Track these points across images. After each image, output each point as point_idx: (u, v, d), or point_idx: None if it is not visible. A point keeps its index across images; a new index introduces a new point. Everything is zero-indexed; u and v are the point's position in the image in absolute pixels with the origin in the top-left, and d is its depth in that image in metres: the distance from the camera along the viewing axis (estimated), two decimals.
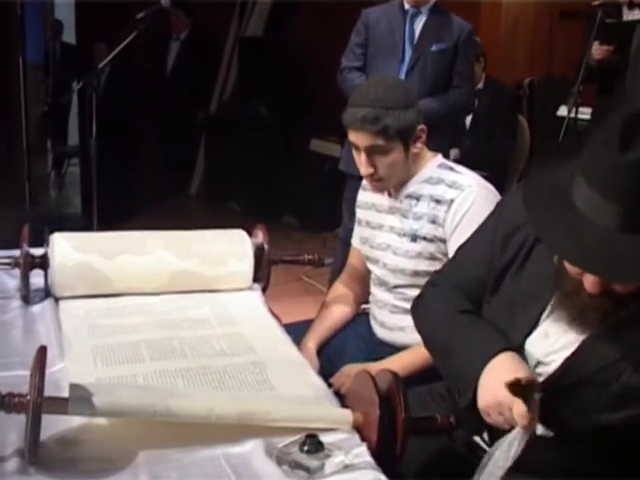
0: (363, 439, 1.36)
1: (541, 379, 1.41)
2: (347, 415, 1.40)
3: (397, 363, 1.95)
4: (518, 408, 1.28)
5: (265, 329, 1.84)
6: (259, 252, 2.05)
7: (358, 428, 1.38)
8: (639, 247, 1.20)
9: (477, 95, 4.20)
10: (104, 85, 3.29)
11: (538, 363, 1.44)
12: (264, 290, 2.07)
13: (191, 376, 1.55)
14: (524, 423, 1.28)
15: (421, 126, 2.04)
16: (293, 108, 5.81)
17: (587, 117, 3.95)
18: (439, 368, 1.58)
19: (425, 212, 2.06)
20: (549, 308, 1.43)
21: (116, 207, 4.60)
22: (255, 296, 2.02)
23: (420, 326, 1.66)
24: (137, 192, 5.73)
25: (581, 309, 1.35)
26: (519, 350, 1.44)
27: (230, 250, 2.02)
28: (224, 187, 5.99)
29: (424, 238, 2.05)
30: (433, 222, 2.04)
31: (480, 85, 4.47)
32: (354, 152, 2.06)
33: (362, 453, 1.31)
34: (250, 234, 2.11)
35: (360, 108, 1.97)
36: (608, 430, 1.33)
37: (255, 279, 2.05)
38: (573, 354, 1.37)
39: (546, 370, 1.42)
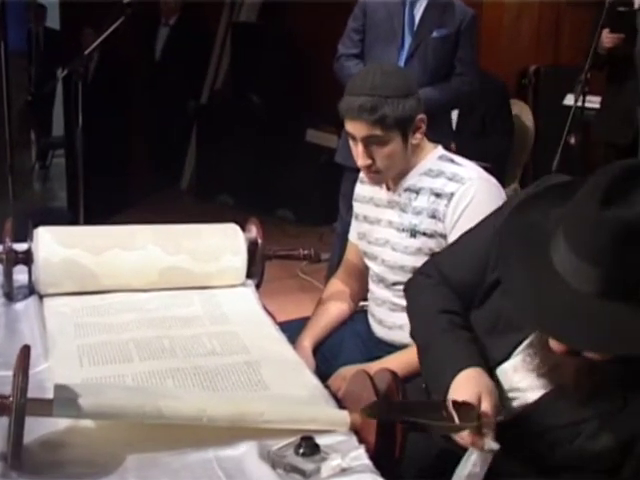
0: (361, 441, 1.36)
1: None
2: (344, 416, 1.41)
3: (396, 362, 1.94)
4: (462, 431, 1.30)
5: (259, 327, 1.85)
6: (253, 247, 2.05)
7: (356, 430, 1.39)
8: (615, 316, 1.16)
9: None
10: (90, 73, 3.27)
11: (502, 392, 1.43)
12: (258, 287, 2.07)
13: (182, 376, 1.55)
14: (468, 443, 1.29)
15: (421, 116, 2.04)
16: (288, 97, 5.81)
17: (595, 106, 3.95)
18: (419, 360, 1.59)
19: (425, 206, 2.06)
20: (526, 342, 1.41)
21: (103, 201, 4.61)
22: (248, 293, 2.02)
23: (408, 313, 1.69)
24: (125, 185, 5.72)
25: (556, 360, 1.33)
26: (491, 371, 1.44)
27: (223, 245, 2.02)
28: (216, 180, 5.99)
29: (424, 233, 2.05)
30: (433, 217, 2.04)
31: None
32: (351, 143, 2.06)
33: (360, 456, 1.31)
34: (243, 228, 2.11)
35: (357, 97, 1.97)
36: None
37: (248, 275, 2.05)
38: (531, 405, 1.37)
39: (508, 404, 1.42)
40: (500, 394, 1.41)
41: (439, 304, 1.58)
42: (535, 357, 1.38)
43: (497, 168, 4.02)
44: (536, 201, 1.38)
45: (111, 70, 5.60)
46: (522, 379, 1.41)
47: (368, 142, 2.00)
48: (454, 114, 4.21)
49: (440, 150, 2.14)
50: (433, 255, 1.85)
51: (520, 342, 1.42)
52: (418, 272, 1.76)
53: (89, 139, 3.41)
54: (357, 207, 2.28)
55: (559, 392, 1.35)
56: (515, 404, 1.41)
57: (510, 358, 1.43)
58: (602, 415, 1.27)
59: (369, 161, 2.02)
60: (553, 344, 1.26)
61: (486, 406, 1.33)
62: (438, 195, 2.04)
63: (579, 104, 3.41)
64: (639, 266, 1.14)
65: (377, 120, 1.96)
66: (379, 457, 1.32)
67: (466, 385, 1.37)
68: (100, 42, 3.30)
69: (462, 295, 1.59)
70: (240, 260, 2.02)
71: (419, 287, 1.69)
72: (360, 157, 2.02)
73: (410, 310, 1.67)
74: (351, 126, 2.01)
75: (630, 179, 1.16)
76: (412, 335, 1.66)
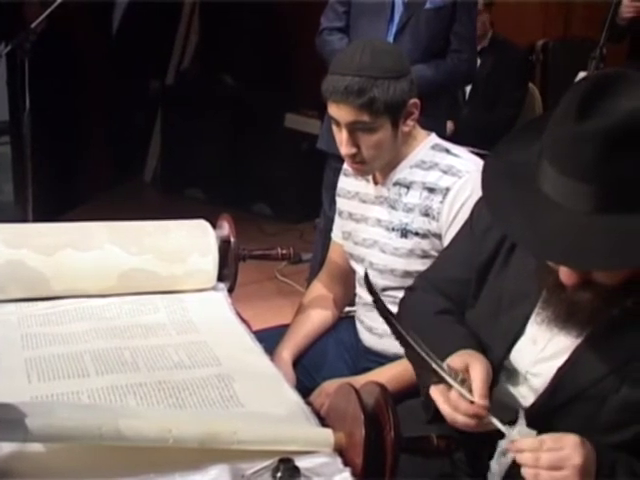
0: (346, 463, 1.37)
1: (532, 394, 1.45)
2: (328, 435, 1.41)
3: (386, 375, 1.96)
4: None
5: (232, 336, 1.85)
6: (224, 246, 2.06)
7: (340, 450, 1.40)
8: (613, 230, 1.21)
9: (480, 54, 4.18)
10: (37, 49, 3.25)
11: (527, 374, 1.47)
12: (231, 291, 2.08)
13: (145, 392, 1.56)
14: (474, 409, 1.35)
15: (413, 100, 2.04)
16: (264, 78, 5.80)
17: None
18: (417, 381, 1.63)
19: (416, 203, 2.07)
20: (537, 309, 1.45)
21: (55, 195, 4.59)
22: (220, 298, 2.03)
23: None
24: (80, 177, 5.69)
25: (568, 308, 1.37)
26: (504, 358, 1.48)
27: (190, 244, 2.03)
28: (184, 171, 5.97)
29: (416, 233, 2.06)
30: (426, 214, 2.05)
31: (485, 42, 4.47)
32: (334, 128, 2.07)
33: (345, 479, 1.32)
34: (214, 225, 2.11)
35: (343, 77, 1.97)
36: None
37: (220, 278, 2.06)
38: (564, 365, 1.40)
39: (535, 383, 1.45)
40: (523, 375, 1.46)
41: (427, 309, 1.63)
42: (550, 316, 1.41)
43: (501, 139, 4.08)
44: (513, 142, 1.45)
45: (61, 46, 5.57)
46: (544, 347, 1.44)
47: (353, 128, 2.00)
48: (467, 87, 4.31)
49: (434, 138, 2.14)
50: (416, 276, 1.92)
51: (531, 310, 1.46)
52: (404, 292, 1.83)
53: (37, 124, 3.39)
54: (341, 203, 2.28)
55: (586, 343, 1.37)
56: (543, 380, 1.44)
57: (525, 330, 1.47)
58: (636, 355, 1.31)
59: (354, 149, 2.02)
60: (563, 276, 1.30)
61: (475, 373, 1.39)
62: (431, 190, 2.04)
63: None
64: (628, 174, 1.20)
65: (365, 104, 1.96)
66: None
67: (454, 358, 1.43)
68: (48, 13, 3.28)
69: (453, 295, 1.64)
70: (210, 261, 2.02)
71: (407, 304, 1.76)
72: (344, 145, 2.02)
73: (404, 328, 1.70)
74: (335, 110, 2.01)
75: (601, 90, 1.23)
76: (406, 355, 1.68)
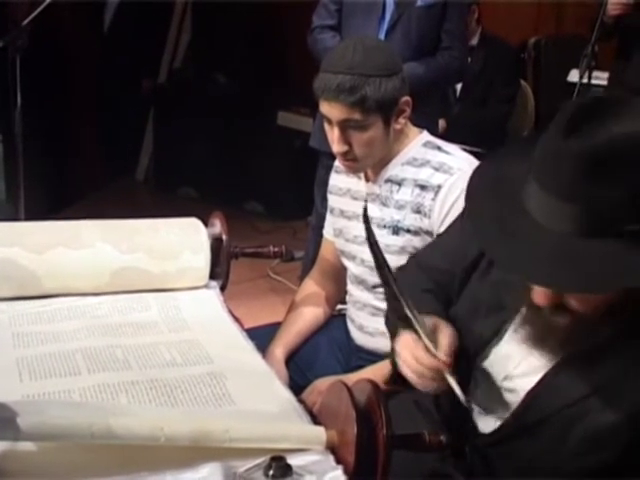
0: (338, 461, 1.37)
1: (505, 409, 1.45)
2: (320, 433, 1.41)
3: (379, 373, 1.95)
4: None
5: (224, 334, 1.85)
6: (216, 244, 2.06)
7: (332, 448, 1.39)
8: (584, 254, 1.20)
9: (470, 53, 4.19)
10: (29, 47, 3.24)
11: (501, 388, 1.47)
12: (223, 289, 2.08)
13: (137, 391, 1.55)
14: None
15: (405, 98, 2.04)
16: (257, 76, 5.80)
17: (602, 83, 3.97)
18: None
19: (408, 200, 2.07)
20: (515, 323, 1.45)
21: (47, 193, 4.58)
22: (212, 296, 2.02)
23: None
24: (72, 176, 5.67)
25: (544, 329, 1.38)
26: (475, 364, 1.50)
27: (182, 242, 2.02)
28: (176, 169, 5.96)
29: (407, 230, 2.06)
30: (418, 212, 2.05)
31: (474, 41, 4.47)
32: (326, 126, 2.07)
33: (337, 477, 1.32)
34: (207, 224, 2.11)
35: (334, 75, 1.97)
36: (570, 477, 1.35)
37: (212, 276, 2.06)
38: (535, 387, 1.40)
39: (510, 398, 1.45)
40: (498, 388, 1.46)
41: (414, 286, 1.64)
42: (527, 333, 1.42)
43: (494, 137, 4.09)
44: (503, 156, 1.46)
45: (53, 44, 5.55)
46: (517, 364, 1.44)
47: (345, 126, 2.00)
48: (458, 85, 4.32)
49: (425, 136, 2.14)
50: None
51: (506, 323, 1.45)
52: (396, 269, 1.82)
53: (30, 122, 3.38)
54: (332, 200, 2.28)
55: (559, 367, 1.37)
56: (515, 396, 1.43)
57: (500, 341, 1.47)
58: (607, 384, 1.30)
59: (345, 147, 2.02)
60: (535, 296, 1.30)
61: (443, 335, 1.43)
62: (423, 187, 2.04)
63: (585, 80, 3.42)
64: (608, 197, 1.18)
65: (356, 102, 1.96)
66: (359, 478, 1.33)
67: (425, 317, 1.46)
68: (40, 11, 3.27)
69: (436, 280, 1.66)
70: (202, 259, 2.02)
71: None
72: (336, 143, 2.03)
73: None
74: (327, 108, 2.01)
75: (592, 111, 1.22)
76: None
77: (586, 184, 1.19)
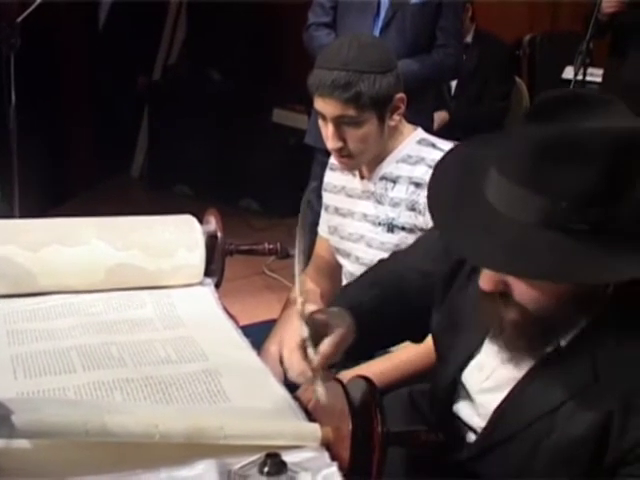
0: (333, 458, 1.37)
1: (478, 423, 1.44)
2: (314, 430, 1.41)
3: (374, 370, 1.95)
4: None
5: (219, 331, 1.85)
6: (211, 241, 2.05)
7: (327, 445, 1.40)
8: (525, 238, 1.18)
9: (464, 51, 4.19)
10: (23, 44, 3.23)
11: (475, 400, 1.46)
12: (218, 286, 2.07)
13: (132, 388, 1.55)
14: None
15: (400, 95, 2.05)
16: (252, 73, 5.79)
17: (597, 80, 3.97)
18: None
19: (403, 197, 2.07)
20: (489, 337, 1.42)
21: (42, 191, 4.57)
22: (207, 293, 2.02)
23: None
24: (67, 173, 5.67)
25: (509, 340, 1.34)
26: (456, 376, 1.47)
27: (177, 239, 2.02)
28: (171, 166, 5.95)
29: (402, 228, 2.06)
30: (412, 209, 2.05)
31: (468, 38, 4.47)
32: (320, 123, 2.07)
33: (332, 474, 1.32)
34: (202, 221, 2.10)
35: (329, 71, 1.97)
36: None
37: (207, 273, 2.05)
38: (502, 403, 1.38)
39: (482, 412, 1.44)
40: (473, 401, 1.45)
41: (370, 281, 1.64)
42: (497, 349, 1.38)
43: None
44: (475, 142, 1.44)
45: (48, 41, 5.54)
46: (488, 376, 1.43)
47: (340, 122, 2.00)
48: (454, 83, 4.31)
49: (420, 133, 2.15)
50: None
51: (483, 337, 1.44)
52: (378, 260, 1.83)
53: (24, 120, 3.38)
54: (327, 197, 2.28)
55: (524, 381, 1.35)
56: (485, 411, 1.43)
57: (478, 353, 1.45)
58: (575, 394, 1.28)
59: (340, 144, 2.02)
60: (480, 281, 1.29)
61: (329, 338, 1.40)
62: (418, 185, 2.05)
63: (579, 78, 3.42)
64: (560, 188, 1.16)
65: (351, 98, 1.96)
66: (354, 476, 1.33)
67: (326, 310, 1.47)
68: (35, 8, 3.27)
69: (412, 281, 1.62)
70: (197, 256, 2.02)
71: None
72: (330, 139, 2.03)
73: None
74: (321, 104, 2.01)
75: (562, 102, 1.20)
76: None
77: (540, 170, 1.17)
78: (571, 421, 1.28)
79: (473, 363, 1.46)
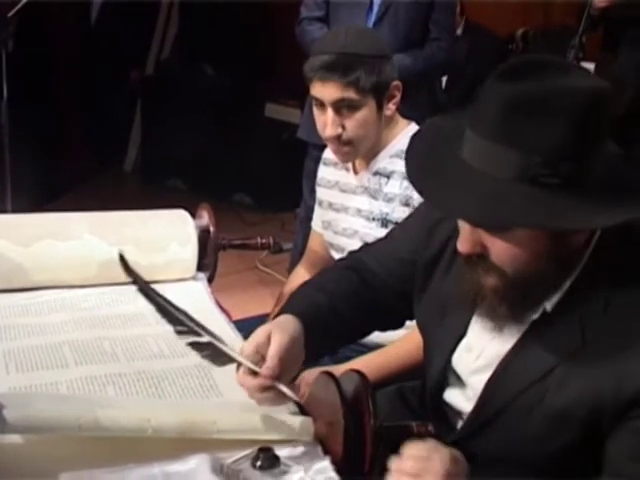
0: (326, 452, 1.37)
1: (470, 405, 1.43)
2: (307, 424, 1.41)
3: (367, 364, 1.95)
4: None
5: (211, 326, 1.83)
6: (204, 236, 2.05)
7: (320, 439, 1.40)
8: (496, 189, 1.20)
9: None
10: (15, 39, 3.23)
11: (466, 382, 1.45)
12: (210, 280, 2.07)
13: (124, 383, 1.56)
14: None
15: (396, 82, 2.05)
16: (244, 67, 5.78)
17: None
18: None
19: (397, 192, 2.07)
20: (475, 316, 1.42)
21: (34, 185, 4.55)
22: (200, 287, 2.02)
23: None
24: (60, 167, 5.66)
25: (491, 307, 1.34)
26: (447, 361, 1.47)
27: (170, 234, 2.02)
28: (164, 161, 5.95)
29: (396, 223, 2.05)
30: (406, 204, 2.05)
31: (458, 31, 4.47)
32: (317, 111, 2.06)
33: (325, 468, 1.33)
34: (194, 215, 2.10)
35: (328, 55, 1.97)
36: (537, 464, 1.34)
37: (200, 267, 2.05)
38: (491, 377, 1.38)
39: (471, 395, 1.43)
40: (465, 385, 1.45)
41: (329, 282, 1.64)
42: (482, 326, 1.39)
43: None
44: (447, 115, 1.48)
45: (40, 36, 5.52)
46: (478, 356, 1.42)
47: (339, 106, 1.99)
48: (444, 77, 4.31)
49: (414, 127, 2.14)
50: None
51: (469, 318, 1.44)
52: (348, 252, 1.83)
53: (16, 114, 3.37)
54: (321, 192, 2.28)
55: (512, 353, 1.36)
56: (479, 389, 1.42)
57: (465, 335, 1.45)
58: (564, 359, 1.28)
59: (339, 130, 2.01)
60: (458, 244, 1.30)
61: (270, 346, 1.39)
62: None
63: None
64: (530, 142, 1.18)
65: (352, 81, 1.96)
66: (347, 470, 1.33)
67: (262, 328, 1.44)
68: (26, 3, 3.26)
69: (393, 271, 1.62)
70: (189, 250, 2.02)
71: (329, 269, 1.77)
72: (329, 125, 2.01)
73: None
74: (320, 88, 2.00)
75: (532, 64, 1.23)
76: None
77: (512, 126, 1.19)
78: (562, 386, 1.28)
79: (461, 345, 1.46)
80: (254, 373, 1.38)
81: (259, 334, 1.42)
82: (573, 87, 1.19)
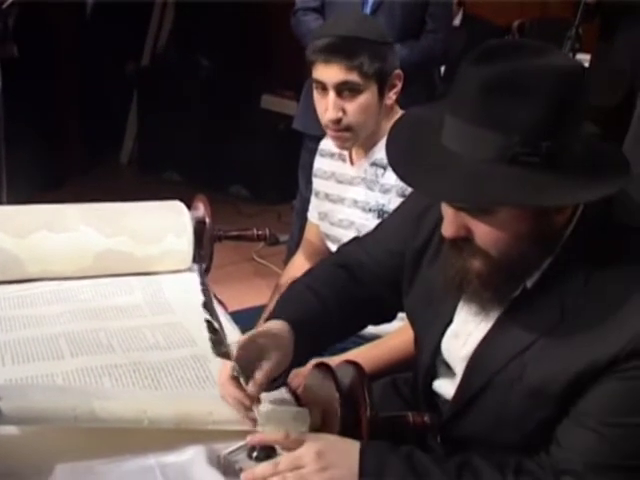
0: None
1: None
2: (303, 415, 1.40)
3: (364, 356, 1.95)
4: None
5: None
6: (200, 227, 2.05)
7: (317, 430, 1.39)
8: (478, 170, 1.20)
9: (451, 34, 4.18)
10: (9, 29, 3.21)
11: (455, 369, 1.45)
12: (207, 271, 2.07)
13: (120, 374, 1.56)
14: None
15: (398, 71, 2.04)
16: (240, 59, 5.77)
17: (586, 65, 3.97)
18: None
19: (393, 184, 2.06)
20: (461, 302, 1.42)
21: (30, 176, 4.54)
22: (195, 279, 2.01)
23: None
24: (56, 159, 5.65)
25: (476, 292, 1.34)
26: (435, 351, 1.47)
27: (165, 225, 2.02)
28: (161, 153, 5.94)
29: None
30: (403, 195, 2.04)
31: (456, 21, 4.46)
32: (317, 95, 2.04)
33: None
34: (190, 206, 2.10)
35: (332, 37, 1.96)
36: (518, 445, 1.34)
37: (196, 259, 2.05)
38: (473, 355, 1.38)
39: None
40: (454, 369, 1.45)
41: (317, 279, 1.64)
42: (470, 310, 1.38)
43: None
44: (428, 104, 1.50)
45: (34, 26, 5.50)
46: (465, 342, 1.42)
47: (342, 89, 1.98)
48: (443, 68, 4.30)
49: None
50: None
51: (457, 303, 1.43)
52: (339, 246, 1.83)
53: (12, 106, 3.36)
54: (317, 183, 2.27)
55: (493, 330, 1.36)
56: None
57: (452, 323, 1.45)
58: (543, 334, 1.29)
59: (340, 114, 2.00)
60: (442, 228, 1.31)
61: (263, 364, 1.37)
62: None
63: None
64: (508, 123, 1.18)
65: (355, 65, 1.95)
66: None
67: (260, 332, 1.42)
68: None
69: (382, 262, 1.62)
70: (185, 242, 2.01)
71: (321, 264, 1.76)
72: (330, 108, 2.00)
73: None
74: (322, 70, 1.99)
75: (505, 47, 1.25)
76: None
77: (490, 107, 1.19)
78: (540, 361, 1.28)
79: (449, 332, 1.45)
80: (238, 382, 1.37)
81: (251, 349, 1.38)
82: (549, 66, 1.20)
